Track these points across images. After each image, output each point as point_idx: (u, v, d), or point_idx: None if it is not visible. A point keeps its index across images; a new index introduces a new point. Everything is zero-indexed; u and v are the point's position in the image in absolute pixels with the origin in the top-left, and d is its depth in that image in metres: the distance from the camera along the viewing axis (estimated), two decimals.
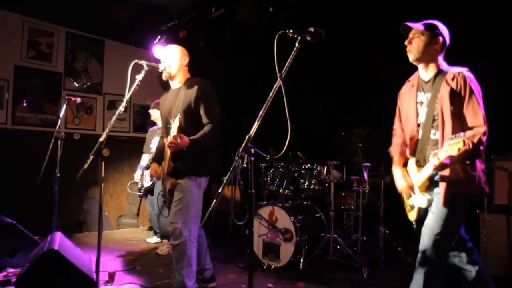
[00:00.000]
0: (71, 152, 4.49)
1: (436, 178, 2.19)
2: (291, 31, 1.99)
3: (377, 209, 4.24)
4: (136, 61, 2.68)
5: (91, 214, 5.83)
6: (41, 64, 5.48)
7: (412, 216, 2.40)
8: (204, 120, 2.93)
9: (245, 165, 1.81)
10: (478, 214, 3.65)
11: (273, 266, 3.93)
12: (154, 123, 5.12)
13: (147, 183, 4.85)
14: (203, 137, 2.86)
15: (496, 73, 3.87)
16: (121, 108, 2.72)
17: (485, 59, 3.84)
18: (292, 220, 3.85)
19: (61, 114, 4.10)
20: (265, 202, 4.24)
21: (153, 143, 4.87)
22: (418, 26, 2.23)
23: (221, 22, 5.09)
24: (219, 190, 1.73)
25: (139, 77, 2.69)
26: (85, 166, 2.45)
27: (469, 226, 3.72)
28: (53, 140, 3.92)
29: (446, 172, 2.11)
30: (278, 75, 1.91)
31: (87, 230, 5.77)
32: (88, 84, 5.98)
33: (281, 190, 4.23)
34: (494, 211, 3.60)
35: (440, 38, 2.24)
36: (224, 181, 1.76)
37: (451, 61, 2.31)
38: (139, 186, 4.95)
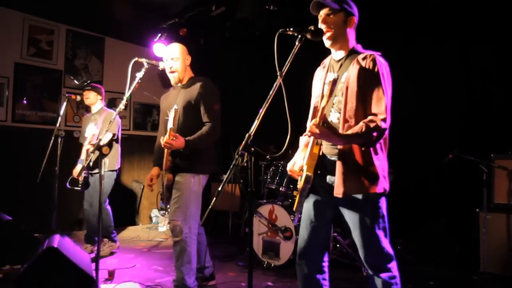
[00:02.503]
0: (71, 150, 4.49)
1: (333, 158, 2.01)
2: (291, 29, 1.98)
3: None
4: (136, 59, 2.67)
5: None
6: (41, 61, 5.48)
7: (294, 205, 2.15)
8: (204, 119, 2.92)
9: (245, 164, 1.80)
10: (478, 212, 3.65)
11: (272, 264, 3.93)
12: (88, 108, 4.67)
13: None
14: (200, 137, 2.85)
15: (496, 71, 3.87)
16: (122, 106, 2.72)
17: (486, 56, 3.85)
18: (292, 218, 3.85)
19: (61, 111, 4.10)
20: (265, 201, 4.24)
21: (88, 132, 4.37)
22: (333, 5, 2.02)
23: (221, 20, 5.08)
24: (219, 188, 1.73)
25: (139, 75, 2.69)
26: (85, 164, 2.45)
27: (468, 224, 3.77)
28: (53, 137, 3.92)
29: (344, 156, 1.95)
30: (278, 73, 1.91)
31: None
32: (89, 81, 5.97)
33: (281, 189, 4.22)
34: (494, 209, 3.60)
35: (355, 18, 2.08)
36: (224, 180, 1.76)
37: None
38: (80, 182, 4.32)
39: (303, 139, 2.29)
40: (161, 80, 6.36)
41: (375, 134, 1.87)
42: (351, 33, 2.10)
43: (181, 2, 4.95)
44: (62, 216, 4.82)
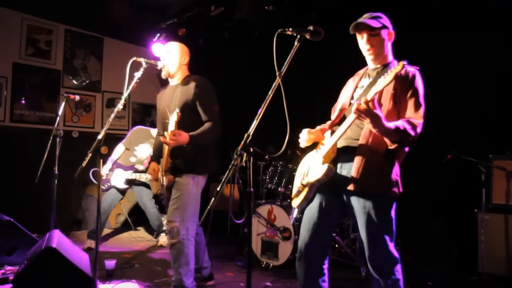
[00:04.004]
0: (69, 150, 4.48)
1: (348, 154, 2.02)
2: (290, 29, 1.99)
3: None
4: (135, 58, 2.66)
5: (90, 212, 5.83)
6: (40, 61, 5.47)
7: (296, 201, 2.18)
8: (204, 117, 2.93)
9: (243, 164, 1.80)
10: (476, 213, 3.66)
11: (271, 265, 3.93)
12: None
13: (119, 184, 4.62)
14: (203, 133, 2.85)
15: (496, 72, 3.87)
16: (120, 106, 2.71)
17: (487, 60, 3.86)
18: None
19: (60, 111, 4.09)
20: (263, 201, 4.24)
21: (139, 151, 4.68)
22: (374, 24, 2.05)
23: (220, 21, 5.08)
24: (218, 189, 1.73)
25: (137, 74, 2.68)
26: (84, 164, 2.44)
27: (467, 225, 3.77)
28: (51, 137, 3.90)
29: (363, 151, 1.95)
30: (277, 74, 1.91)
31: (85, 228, 5.75)
32: (87, 81, 5.97)
33: (279, 189, 4.22)
34: (492, 210, 3.61)
35: (393, 32, 2.14)
36: (223, 180, 1.76)
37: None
38: (104, 177, 4.63)
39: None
40: (159, 80, 6.35)
41: (413, 133, 1.89)
42: (390, 46, 2.15)
43: (180, 2, 4.95)
44: (60, 216, 4.80)
